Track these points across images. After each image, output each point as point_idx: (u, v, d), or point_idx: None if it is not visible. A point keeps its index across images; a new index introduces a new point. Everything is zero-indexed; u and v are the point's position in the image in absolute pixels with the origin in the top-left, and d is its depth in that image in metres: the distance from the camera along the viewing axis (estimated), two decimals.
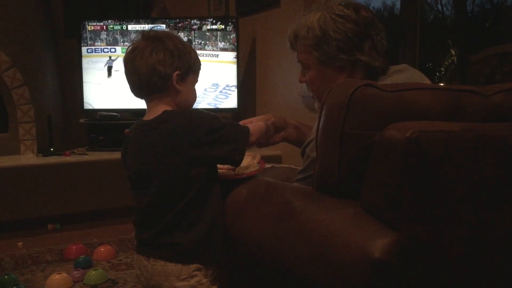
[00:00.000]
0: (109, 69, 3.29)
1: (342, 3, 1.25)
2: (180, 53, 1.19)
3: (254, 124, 1.36)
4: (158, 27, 3.26)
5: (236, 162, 1.21)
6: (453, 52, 2.42)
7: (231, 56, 3.25)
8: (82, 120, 3.29)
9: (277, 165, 1.79)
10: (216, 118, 1.18)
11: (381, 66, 1.26)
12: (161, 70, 1.16)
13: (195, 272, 1.16)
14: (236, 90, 3.28)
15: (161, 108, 1.19)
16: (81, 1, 3.86)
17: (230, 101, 3.29)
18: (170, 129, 1.15)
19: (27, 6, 3.20)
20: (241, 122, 1.35)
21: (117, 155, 3.02)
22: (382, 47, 1.26)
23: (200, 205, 1.17)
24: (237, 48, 3.25)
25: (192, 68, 1.22)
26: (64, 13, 3.84)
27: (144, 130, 1.20)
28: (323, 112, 1.01)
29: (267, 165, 1.51)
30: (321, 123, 1.02)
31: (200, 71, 1.28)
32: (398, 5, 2.58)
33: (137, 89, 1.21)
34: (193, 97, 1.27)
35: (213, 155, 1.16)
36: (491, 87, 1.15)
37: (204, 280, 1.18)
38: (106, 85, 3.30)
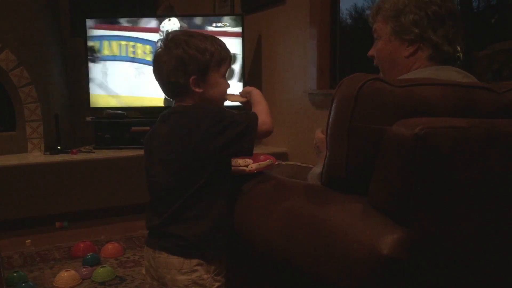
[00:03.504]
0: None
1: None
2: (191, 57, 1.17)
3: (264, 109, 1.25)
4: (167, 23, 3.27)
5: (244, 150, 1.18)
6: (459, 48, 2.40)
7: (238, 53, 3.26)
8: (88, 118, 3.31)
9: (283, 163, 1.79)
10: (223, 110, 1.18)
11: (449, 52, 1.30)
12: (174, 81, 1.19)
13: (196, 267, 1.17)
14: (242, 87, 3.28)
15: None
16: (86, 0, 3.87)
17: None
18: (179, 121, 1.19)
19: (34, 5, 3.21)
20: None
21: (123, 152, 3.07)
22: (454, 39, 1.31)
23: (207, 200, 1.17)
24: (243, 45, 3.25)
25: (210, 66, 1.20)
26: (70, 12, 3.85)
27: (161, 120, 1.25)
28: (333, 105, 1.01)
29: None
30: (331, 116, 1.02)
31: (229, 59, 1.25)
32: None
33: (165, 93, 1.27)
34: (219, 92, 1.24)
35: (218, 146, 1.14)
36: (503, 84, 1.15)
37: (206, 276, 1.18)
38: (112, 83, 3.31)
